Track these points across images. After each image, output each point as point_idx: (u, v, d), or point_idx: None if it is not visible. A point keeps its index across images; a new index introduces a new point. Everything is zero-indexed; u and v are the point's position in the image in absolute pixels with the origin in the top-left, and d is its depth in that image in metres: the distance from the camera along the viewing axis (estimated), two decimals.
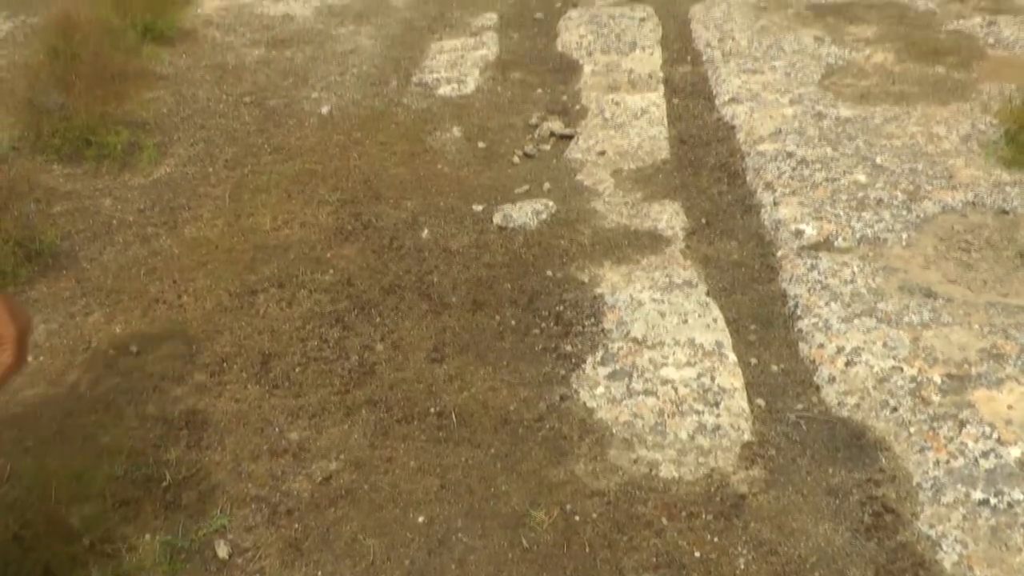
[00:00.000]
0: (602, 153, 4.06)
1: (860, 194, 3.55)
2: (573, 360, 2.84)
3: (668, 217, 3.55)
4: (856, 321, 2.91)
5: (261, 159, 4.09)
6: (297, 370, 2.84)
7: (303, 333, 2.99)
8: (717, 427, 2.56)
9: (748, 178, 3.80)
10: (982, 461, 2.40)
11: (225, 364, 2.87)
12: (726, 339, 2.90)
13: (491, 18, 5.84)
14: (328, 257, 3.37)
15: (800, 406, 2.67)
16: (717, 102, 4.50)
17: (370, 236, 3.49)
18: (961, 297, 3.00)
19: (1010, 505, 2.28)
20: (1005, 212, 3.42)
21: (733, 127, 4.22)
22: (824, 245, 3.29)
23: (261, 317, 3.07)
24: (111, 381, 2.81)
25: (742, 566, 2.19)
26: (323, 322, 3.03)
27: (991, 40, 5.00)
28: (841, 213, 3.44)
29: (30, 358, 2.90)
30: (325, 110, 4.55)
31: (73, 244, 3.50)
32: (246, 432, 2.62)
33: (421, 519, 2.34)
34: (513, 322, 3.01)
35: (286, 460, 2.52)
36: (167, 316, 3.09)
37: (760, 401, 2.68)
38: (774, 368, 2.83)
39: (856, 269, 3.15)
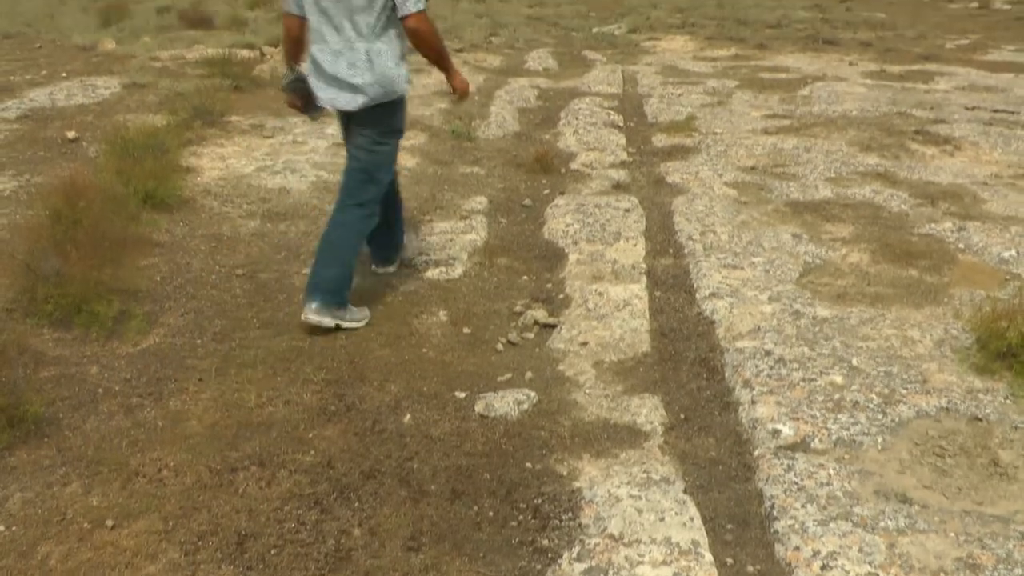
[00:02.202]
0: (584, 344, 4.14)
1: (836, 395, 3.62)
2: (550, 555, 2.83)
3: (647, 411, 3.60)
4: (832, 524, 2.93)
5: (249, 333, 4.15)
6: (273, 552, 2.82)
7: (281, 514, 2.98)
8: None
9: (727, 375, 3.87)
10: None
11: (200, 542, 2.85)
12: (702, 538, 2.90)
13: (481, 202, 6.02)
14: (310, 438, 3.39)
15: None
16: (698, 296, 4.61)
17: (353, 418, 3.52)
18: (936, 504, 3.04)
19: None
20: (978, 419, 3.48)
21: (713, 322, 4.32)
22: (801, 446, 3.34)
23: (240, 496, 3.07)
24: (83, 555, 2.78)
25: None
26: (302, 504, 3.03)
27: (961, 245, 5.18)
28: (818, 414, 3.50)
29: (1, 527, 2.89)
30: None
31: (57, 411, 3.51)
32: None
33: None
34: (491, 513, 3.02)
35: None
36: (146, 490, 3.08)
37: None
38: (750, 569, 2.83)
39: (832, 471, 3.18)
